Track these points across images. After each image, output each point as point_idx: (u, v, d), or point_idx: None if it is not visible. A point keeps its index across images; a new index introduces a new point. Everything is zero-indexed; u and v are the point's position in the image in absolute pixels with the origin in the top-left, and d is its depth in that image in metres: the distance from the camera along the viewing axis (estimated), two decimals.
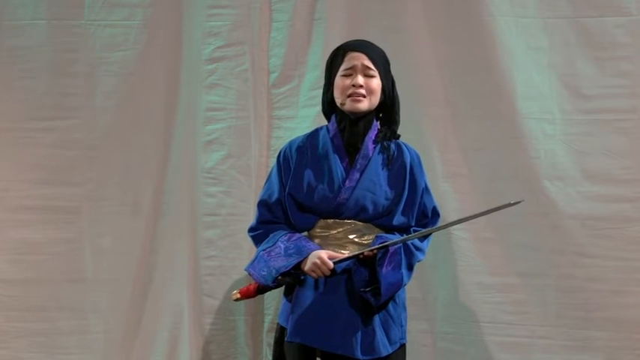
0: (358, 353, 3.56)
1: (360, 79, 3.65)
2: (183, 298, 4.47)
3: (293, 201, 3.69)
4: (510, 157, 4.34)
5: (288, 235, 3.68)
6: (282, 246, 3.63)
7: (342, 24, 4.39)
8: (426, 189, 3.78)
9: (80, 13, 4.50)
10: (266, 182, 3.82)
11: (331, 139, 3.71)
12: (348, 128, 3.70)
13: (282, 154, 3.77)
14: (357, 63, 3.66)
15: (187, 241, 4.49)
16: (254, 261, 3.70)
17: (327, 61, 3.75)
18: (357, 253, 3.56)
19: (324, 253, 3.56)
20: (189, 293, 4.46)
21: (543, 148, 4.33)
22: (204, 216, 4.49)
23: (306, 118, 4.44)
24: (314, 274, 3.56)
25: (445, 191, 4.37)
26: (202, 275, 4.48)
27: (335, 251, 3.61)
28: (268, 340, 4.39)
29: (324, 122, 4.37)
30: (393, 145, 3.74)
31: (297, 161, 3.71)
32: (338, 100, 3.69)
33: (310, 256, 3.56)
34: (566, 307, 4.31)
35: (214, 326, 4.48)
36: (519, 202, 3.56)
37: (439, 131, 4.41)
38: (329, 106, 3.77)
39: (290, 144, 3.79)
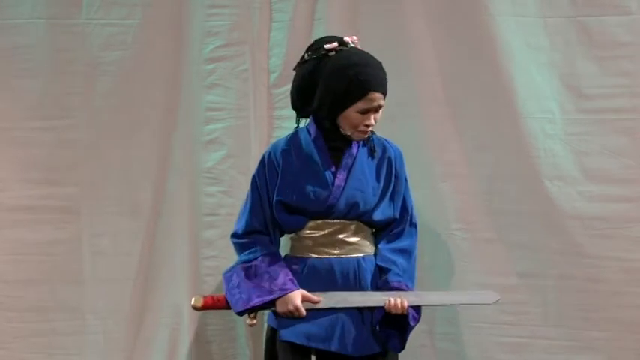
0: (350, 349, 3.65)
1: (373, 119, 3.65)
2: (183, 298, 4.53)
3: (282, 205, 3.72)
4: (510, 157, 4.41)
5: (269, 257, 3.69)
6: (261, 268, 3.66)
7: (342, 24, 4.45)
8: (407, 183, 3.83)
9: (78, 12, 4.57)
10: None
11: (313, 141, 3.73)
12: (331, 131, 3.70)
13: (266, 158, 3.77)
14: (376, 104, 3.62)
15: (187, 241, 4.57)
16: (232, 272, 3.72)
17: (340, 84, 3.58)
18: (337, 306, 3.64)
19: (299, 300, 3.60)
20: (189, 293, 4.49)
21: (543, 148, 4.40)
22: (204, 216, 4.57)
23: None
24: (284, 316, 3.63)
25: (445, 191, 4.45)
26: (202, 275, 4.56)
27: (324, 251, 3.71)
28: None
29: None
30: (374, 140, 3.78)
31: (284, 165, 3.73)
32: (345, 131, 3.67)
33: (286, 298, 3.60)
34: (566, 308, 4.38)
35: (214, 326, 4.57)
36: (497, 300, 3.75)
37: (439, 131, 4.47)
38: (312, 114, 3.74)
39: (274, 148, 3.78)
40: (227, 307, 3.72)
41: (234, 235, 3.80)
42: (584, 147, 4.42)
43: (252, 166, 4.51)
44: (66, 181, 4.60)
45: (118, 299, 4.58)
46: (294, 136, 3.79)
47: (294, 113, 4.54)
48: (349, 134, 3.69)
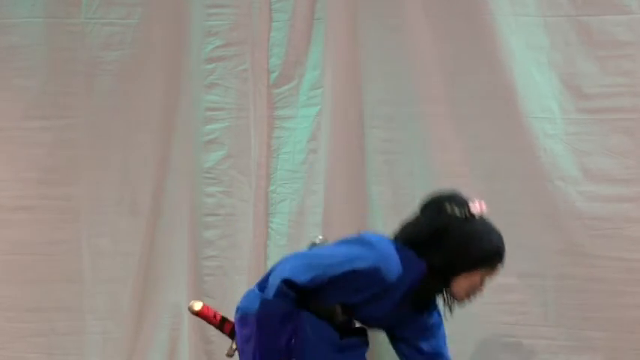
0: None
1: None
2: (183, 298, 4.56)
3: (340, 299, 3.60)
4: (510, 157, 4.45)
5: (288, 319, 3.55)
6: (278, 330, 3.52)
7: (342, 24, 4.50)
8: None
9: (77, 12, 4.60)
10: (346, 260, 3.53)
11: (407, 285, 3.60)
12: (435, 287, 3.66)
13: (381, 272, 3.51)
14: (494, 277, 3.69)
15: (187, 241, 4.61)
16: (254, 316, 3.53)
17: (486, 248, 3.59)
18: None
19: None
20: (189, 293, 4.55)
21: (544, 148, 4.42)
22: (204, 216, 4.60)
23: (306, 117, 4.58)
24: None
25: None
26: (202, 275, 4.60)
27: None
28: None
29: (325, 122, 4.52)
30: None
31: (385, 295, 3.56)
32: (456, 290, 3.64)
33: None
34: (566, 307, 4.41)
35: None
36: None
37: (439, 131, 4.51)
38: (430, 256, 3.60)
39: (391, 270, 3.54)
40: (218, 327, 3.70)
41: (290, 284, 3.47)
42: (585, 147, 4.45)
43: (253, 166, 4.60)
44: (65, 180, 4.63)
45: (118, 299, 4.62)
46: (407, 270, 3.60)
47: (294, 113, 4.63)
48: (461, 294, 3.67)
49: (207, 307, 3.76)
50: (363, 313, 3.65)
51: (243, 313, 3.60)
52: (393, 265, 3.56)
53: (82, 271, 4.63)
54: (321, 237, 3.85)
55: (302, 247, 4.58)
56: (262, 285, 3.61)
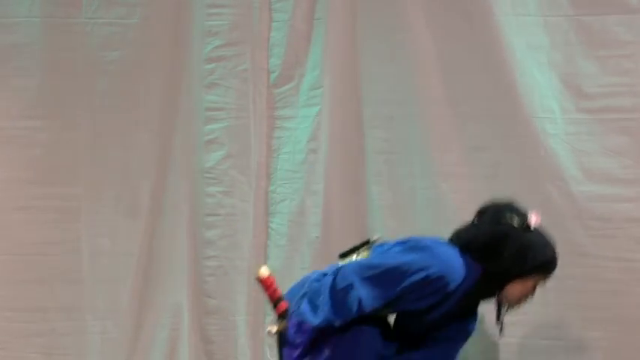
0: None
1: None
2: (183, 298, 4.60)
3: (402, 307, 3.62)
4: (510, 157, 4.46)
5: None
6: None
7: (342, 24, 4.52)
8: None
9: (77, 11, 4.62)
10: (415, 270, 3.54)
11: (464, 289, 3.63)
12: (487, 291, 3.72)
13: (445, 280, 3.56)
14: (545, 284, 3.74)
15: (187, 241, 4.63)
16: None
17: (543, 255, 3.71)
18: None
19: None
20: (189, 293, 4.59)
21: (544, 148, 4.43)
22: (204, 216, 4.63)
23: (306, 117, 4.59)
24: None
25: (445, 191, 4.49)
26: (202, 275, 4.62)
27: None
28: (268, 340, 4.42)
29: (325, 122, 4.54)
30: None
31: (445, 298, 3.61)
32: (509, 296, 3.70)
33: None
34: (566, 307, 4.42)
35: (214, 326, 4.62)
36: None
37: (439, 131, 4.52)
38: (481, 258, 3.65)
39: (455, 277, 3.58)
40: (273, 304, 3.56)
41: (359, 308, 3.53)
42: (585, 146, 4.46)
43: (253, 166, 4.62)
44: (65, 180, 4.66)
45: (118, 299, 4.64)
46: (467, 275, 3.65)
47: (294, 113, 4.65)
48: (514, 298, 3.75)
49: (273, 279, 3.60)
50: (416, 319, 3.68)
51: (301, 321, 3.59)
52: (457, 271, 3.62)
53: (82, 270, 4.65)
54: (378, 235, 3.85)
55: (302, 247, 4.61)
56: (318, 284, 3.61)
